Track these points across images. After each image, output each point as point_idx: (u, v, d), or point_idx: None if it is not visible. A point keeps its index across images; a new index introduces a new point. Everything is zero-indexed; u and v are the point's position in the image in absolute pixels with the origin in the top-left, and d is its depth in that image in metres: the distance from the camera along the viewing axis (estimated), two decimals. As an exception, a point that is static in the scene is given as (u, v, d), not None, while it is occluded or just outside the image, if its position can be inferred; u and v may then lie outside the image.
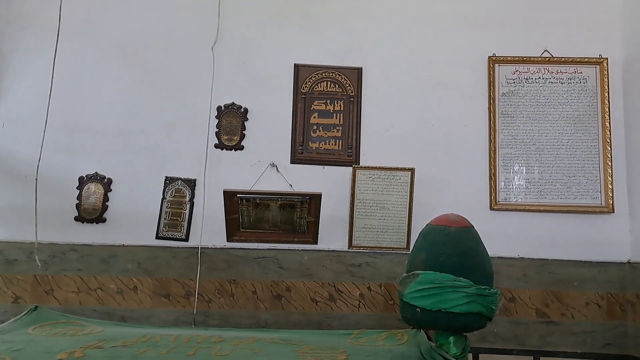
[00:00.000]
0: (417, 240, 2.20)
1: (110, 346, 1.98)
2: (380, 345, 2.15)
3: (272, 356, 1.94)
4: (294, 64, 3.24)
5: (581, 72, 3.20)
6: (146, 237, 3.09)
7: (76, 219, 3.09)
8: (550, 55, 3.22)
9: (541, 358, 2.97)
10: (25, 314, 2.38)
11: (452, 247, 2.03)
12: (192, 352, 1.93)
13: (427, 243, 2.11)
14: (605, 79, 3.16)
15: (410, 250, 2.94)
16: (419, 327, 2.16)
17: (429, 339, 2.13)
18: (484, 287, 1.98)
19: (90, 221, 3.09)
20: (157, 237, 3.09)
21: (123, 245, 3.07)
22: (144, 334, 2.19)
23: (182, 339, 2.12)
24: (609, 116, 3.12)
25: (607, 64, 3.17)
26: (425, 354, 1.98)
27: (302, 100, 3.21)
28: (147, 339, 2.10)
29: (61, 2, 2.96)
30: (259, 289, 3.05)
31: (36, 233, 2.88)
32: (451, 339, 2.01)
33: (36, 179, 2.86)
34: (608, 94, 3.14)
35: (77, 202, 3.10)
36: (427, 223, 2.22)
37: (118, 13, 3.30)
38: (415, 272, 2.04)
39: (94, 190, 3.11)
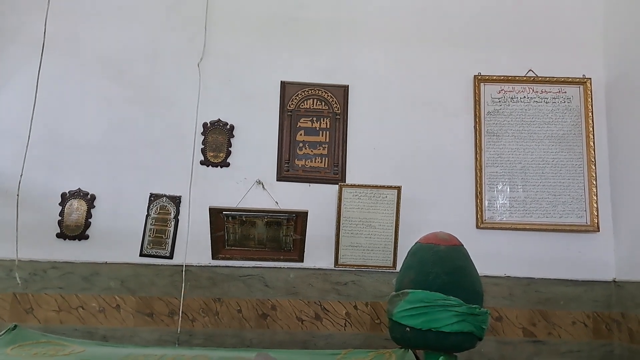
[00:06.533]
0: (405, 258, 2.19)
1: None
2: None
3: None
4: (281, 81, 3.23)
5: (565, 92, 3.23)
6: (130, 254, 3.03)
7: (58, 235, 3.04)
8: (534, 75, 3.25)
9: (528, 378, 2.96)
10: (3, 334, 2.32)
11: (442, 266, 2.02)
12: None
13: (416, 261, 2.10)
14: (589, 99, 3.19)
15: (397, 268, 2.98)
16: (408, 347, 2.14)
17: (417, 359, 2.11)
18: (474, 306, 1.97)
19: (73, 238, 3.03)
20: (141, 255, 3.04)
21: (106, 262, 3.02)
22: (127, 354, 2.15)
23: (167, 359, 2.08)
24: (593, 135, 3.15)
25: (591, 84, 3.21)
26: None
27: (288, 118, 3.20)
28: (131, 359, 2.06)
29: (46, 17, 2.95)
30: (244, 308, 3.01)
31: (17, 250, 2.82)
32: (441, 358, 1.99)
33: (18, 195, 2.81)
34: (592, 114, 3.18)
35: (60, 218, 3.05)
36: (415, 241, 2.22)
37: (103, 28, 3.28)
38: (404, 290, 2.03)
39: (77, 206, 3.06)
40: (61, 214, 3.06)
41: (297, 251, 3.02)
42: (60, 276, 2.99)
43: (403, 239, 3.00)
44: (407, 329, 1.98)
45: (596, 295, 3.03)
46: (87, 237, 3.05)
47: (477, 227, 3.09)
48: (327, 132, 3.20)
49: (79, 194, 3.08)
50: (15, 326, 2.39)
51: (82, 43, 3.27)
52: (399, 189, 3.05)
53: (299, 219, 2.90)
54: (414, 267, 2.09)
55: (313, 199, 3.09)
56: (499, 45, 3.32)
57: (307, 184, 3.14)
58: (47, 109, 3.10)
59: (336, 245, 3.06)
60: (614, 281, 3.03)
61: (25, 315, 2.94)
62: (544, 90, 3.24)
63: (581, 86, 3.23)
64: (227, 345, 2.93)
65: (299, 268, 3.05)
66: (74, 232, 3.04)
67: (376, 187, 3.07)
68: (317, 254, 3.06)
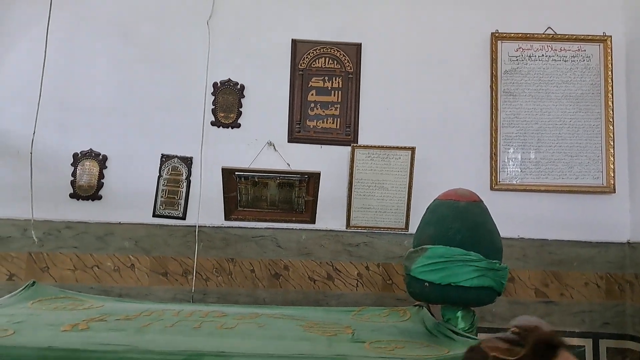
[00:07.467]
0: (424, 215, 2.18)
1: (114, 319, 1.98)
2: (383, 321, 2.15)
3: (279, 330, 1.94)
4: (292, 40, 3.16)
5: (585, 50, 3.14)
6: (143, 215, 3.05)
7: (71, 196, 3.05)
8: (553, 33, 3.16)
9: (539, 337, 2.97)
10: (23, 289, 2.36)
11: (462, 221, 2.01)
12: (197, 325, 1.92)
13: (435, 217, 2.09)
14: (609, 58, 3.11)
15: (410, 230, 2.97)
16: (426, 302, 2.15)
17: (432, 316, 2.11)
18: (494, 261, 1.97)
19: (86, 198, 3.05)
20: (154, 215, 3.06)
21: (120, 223, 3.04)
22: (146, 309, 2.18)
23: (185, 314, 2.12)
24: (612, 95, 3.08)
25: (611, 42, 3.12)
26: (432, 329, 1.97)
27: (300, 77, 3.14)
28: (150, 313, 2.10)
29: (53, -25, 2.89)
30: (257, 268, 3.03)
31: (32, 209, 2.84)
32: (459, 313, 2.01)
33: (31, 153, 2.82)
34: (611, 73, 3.10)
35: (72, 179, 3.05)
36: (431, 201, 2.20)
37: (111, -14, 3.22)
38: (423, 246, 2.02)
39: (89, 167, 3.06)
40: (73, 174, 3.06)
41: (309, 212, 3.01)
42: (75, 236, 3.02)
43: (416, 200, 2.98)
44: (426, 284, 1.98)
45: (610, 257, 3.01)
46: (100, 198, 3.06)
47: (492, 188, 3.06)
48: (339, 92, 3.14)
49: (90, 155, 3.08)
50: (34, 282, 2.42)
51: (90, 2, 3.21)
52: (412, 149, 3.01)
53: (311, 180, 2.88)
54: (433, 223, 2.08)
55: (325, 161, 3.06)
56: (517, 1, 3.21)
57: (319, 146, 3.11)
58: (57, 69, 3.07)
59: (348, 207, 3.05)
60: (628, 242, 3.00)
61: (41, 273, 2.99)
62: (562, 49, 3.15)
63: (601, 44, 3.13)
64: (241, 304, 2.96)
65: (311, 229, 3.06)
66: (87, 192, 3.05)
67: (389, 148, 3.03)
68: (329, 215, 3.06)
